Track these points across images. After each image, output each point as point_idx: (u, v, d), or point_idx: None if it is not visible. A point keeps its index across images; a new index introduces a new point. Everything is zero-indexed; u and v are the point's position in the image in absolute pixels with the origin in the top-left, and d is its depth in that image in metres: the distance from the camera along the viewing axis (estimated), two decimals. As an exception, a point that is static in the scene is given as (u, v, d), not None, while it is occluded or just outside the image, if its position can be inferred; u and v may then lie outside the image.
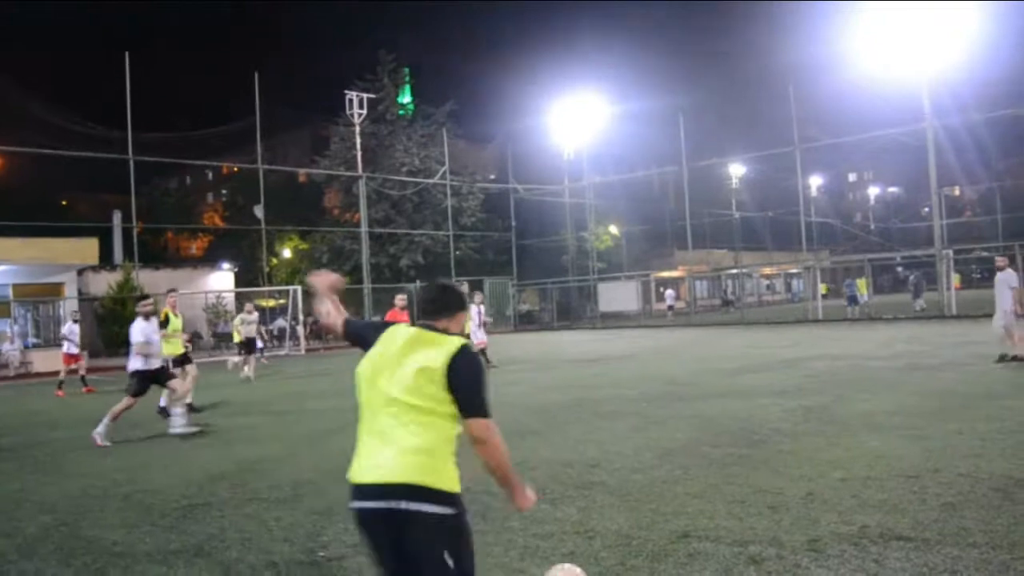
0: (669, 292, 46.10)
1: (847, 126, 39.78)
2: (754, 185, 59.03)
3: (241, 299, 42.43)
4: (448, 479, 2.79)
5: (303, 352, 31.09)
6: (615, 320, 39.77)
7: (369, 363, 2.96)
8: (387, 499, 2.73)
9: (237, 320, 21.20)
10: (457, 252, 42.40)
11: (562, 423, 10.18)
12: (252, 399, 15.61)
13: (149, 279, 35.21)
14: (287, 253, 51.94)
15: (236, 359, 21.22)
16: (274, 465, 8.42)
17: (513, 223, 44.01)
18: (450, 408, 2.79)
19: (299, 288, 33.56)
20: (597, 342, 27.59)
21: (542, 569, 4.72)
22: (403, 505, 2.70)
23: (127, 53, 30.78)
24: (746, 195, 58.66)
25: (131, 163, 30.81)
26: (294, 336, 32.64)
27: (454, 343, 2.88)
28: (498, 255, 45.88)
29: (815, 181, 61.31)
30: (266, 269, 40.68)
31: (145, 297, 11.79)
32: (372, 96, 40.36)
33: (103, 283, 36.96)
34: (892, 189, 73.84)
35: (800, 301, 44.30)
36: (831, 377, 13.24)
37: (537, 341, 29.19)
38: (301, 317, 33.65)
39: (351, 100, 37.91)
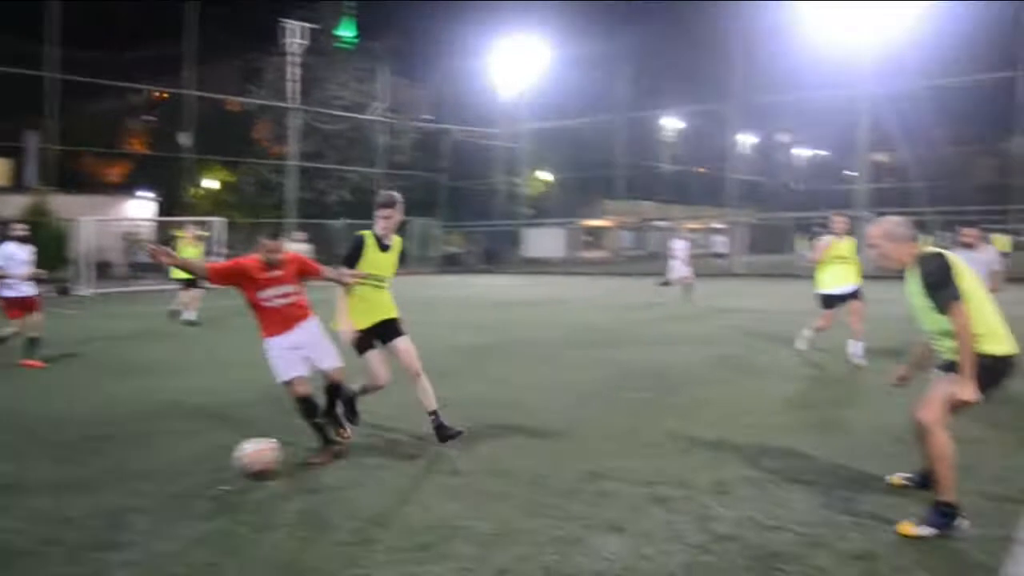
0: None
1: (781, 86, 39.91)
2: (687, 139, 59.31)
3: (166, 228, 41.17)
4: None
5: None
6: (540, 266, 39.85)
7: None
8: None
9: None
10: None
11: (480, 364, 10.17)
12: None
13: (64, 204, 33.88)
14: (213, 184, 50.41)
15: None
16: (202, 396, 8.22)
17: (445, 164, 43.52)
18: None
19: (224, 220, 32.61)
20: (523, 287, 27.65)
21: (455, 504, 4.72)
22: None
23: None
24: (680, 149, 58.94)
25: (47, 80, 29.35)
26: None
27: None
28: (428, 195, 45.40)
29: (748, 139, 61.47)
30: (190, 199, 39.47)
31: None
32: (311, 27, 39.05)
33: (15, 207, 35.38)
34: (820, 152, 74.71)
35: (725, 257, 44.57)
36: (747, 328, 13.49)
37: (460, 284, 29.09)
38: (225, 251, 32.76)
39: (288, 29, 36.68)
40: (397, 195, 6.14)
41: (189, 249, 15.76)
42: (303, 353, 5.76)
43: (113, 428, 6.86)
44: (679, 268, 19.97)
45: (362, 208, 40.76)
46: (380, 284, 6.02)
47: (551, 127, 43.88)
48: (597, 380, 8.81)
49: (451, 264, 41.80)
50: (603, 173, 46.54)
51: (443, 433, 5.99)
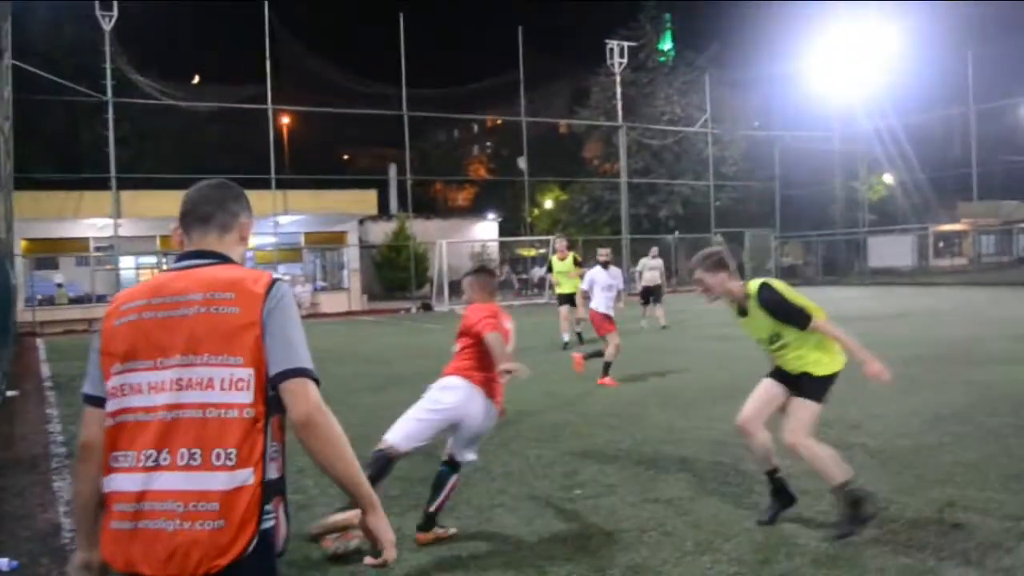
0: None
1: None
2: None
3: (506, 248, 44.36)
4: None
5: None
6: (887, 276, 37.19)
7: None
8: None
9: (639, 265, 19.99)
10: (717, 203, 41.44)
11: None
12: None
13: (421, 228, 37.68)
14: (548, 204, 53.36)
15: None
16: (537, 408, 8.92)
17: (777, 172, 42.28)
18: None
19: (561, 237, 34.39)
20: (866, 299, 26.13)
21: (792, 522, 4.75)
22: None
23: (401, 14, 32.86)
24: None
25: (405, 118, 32.98)
26: (551, 286, 33.58)
27: None
28: (761, 205, 44.31)
29: None
30: (528, 219, 42.07)
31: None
32: (632, 44, 40.01)
33: (380, 232, 40.00)
34: None
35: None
36: None
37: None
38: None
39: (611, 49, 37.91)
40: (706, 254, 5.13)
41: (562, 264, 15.70)
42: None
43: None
44: None
45: (696, 221, 40.89)
46: (771, 349, 5.08)
47: (891, 126, 40.92)
48: (950, 403, 8.24)
49: (788, 276, 40.36)
50: (954, 172, 42.49)
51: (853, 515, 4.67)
